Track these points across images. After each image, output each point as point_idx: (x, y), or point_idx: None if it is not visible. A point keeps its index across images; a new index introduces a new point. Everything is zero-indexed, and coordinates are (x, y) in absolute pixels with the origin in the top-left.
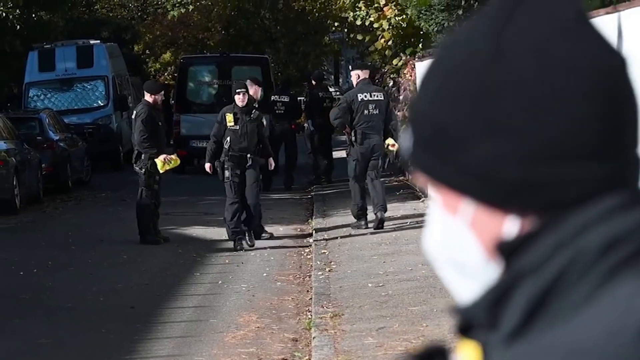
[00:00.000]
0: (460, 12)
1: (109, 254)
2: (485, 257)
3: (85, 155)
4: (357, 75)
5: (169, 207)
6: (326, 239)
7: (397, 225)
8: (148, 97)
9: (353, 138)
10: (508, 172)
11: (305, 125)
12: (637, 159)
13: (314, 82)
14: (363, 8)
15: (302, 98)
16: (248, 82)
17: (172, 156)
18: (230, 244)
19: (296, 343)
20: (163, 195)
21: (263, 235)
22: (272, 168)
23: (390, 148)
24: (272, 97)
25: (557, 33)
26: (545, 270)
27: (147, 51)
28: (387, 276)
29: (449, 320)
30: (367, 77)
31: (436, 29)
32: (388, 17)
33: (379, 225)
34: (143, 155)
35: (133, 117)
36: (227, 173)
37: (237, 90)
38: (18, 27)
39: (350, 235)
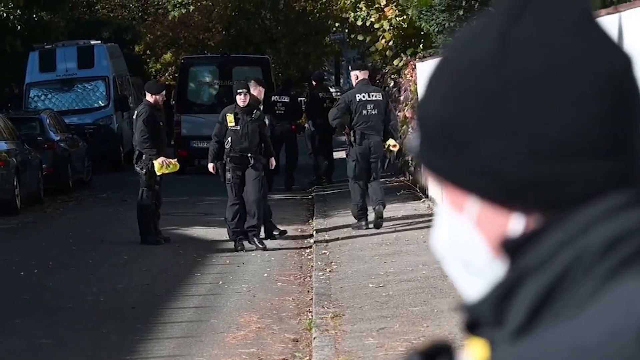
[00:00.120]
0: (460, 12)
1: (109, 254)
2: (491, 255)
3: (86, 155)
4: (355, 76)
5: (169, 207)
6: (327, 240)
7: (397, 226)
8: (149, 98)
9: (352, 138)
10: (513, 170)
11: (306, 125)
12: None
13: (314, 83)
14: (364, 8)
15: (302, 98)
16: (252, 83)
17: (172, 160)
18: (231, 245)
19: (297, 343)
20: (164, 195)
21: (275, 232)
22: (273, 167)
23: (392, 148)
24: (273, 98)
25: (564, 32)
26: (549, 268)
27: (148, 51)
28: (387, 277)
29: (449, 321)
30: (366, 77)
31: (437, 29)
32: (389, 17)
33: (378, 220)
34: (144, 156)
35: (134, 117)
36: (228, 174)
37: (239, 91)
38: (19, 27)
39: (351, 236)
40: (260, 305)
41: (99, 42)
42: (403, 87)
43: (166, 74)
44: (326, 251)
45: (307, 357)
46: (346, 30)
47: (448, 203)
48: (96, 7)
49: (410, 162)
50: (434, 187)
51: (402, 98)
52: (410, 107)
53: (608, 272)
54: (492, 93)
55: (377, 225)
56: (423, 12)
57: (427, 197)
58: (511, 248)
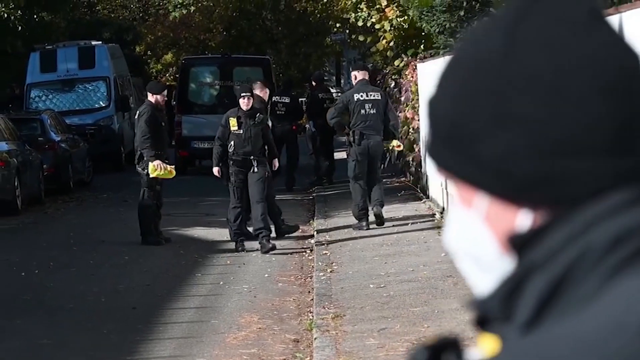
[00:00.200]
0: (461, 13)
1: (110, 255)
2: (500, 250)
3: (87, 156)
4: (354, 76)
5: (170, 207)
6: (328, 240)
7: (398, 226)
8: (151, 98)
9: (351, 139)
10: (520, 167)
11: (307, 126)
12: None
13: (314, 84)
14: (365, 9)
15: (303, 99)
16: (258, 85)
17: (169, 167)
18: (232, 245)
19: (297, 344)
20: (164, 196)
21: (283, 227)
22: (276, 169)
23: (396, 149)
24: (274, 98)
25: (570, 31)
26: (555, 264)
27: (149, 52)
28: (388, 277)
29: (450, 321)
30: (365, 77)
31: (438, 30)
32: (389, 18)
33: (378, 220)
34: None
35: (136, 117)
36: (232, 178)
37: (242, 94)
38: (20, 28)
39: (351, 236)
40: (261, 306)
41: (100, 42)
42: (404, 88)
43: (167, 75)
44: (327, 252)
45: (308, 358)
46: (347, 31)
47: (458, 199)
48: (97, 8)
49: (411, 162)
50: (435, 188)
51: (402, 99)
52: (411, 107)
53: (612, 269)
54: (499, 91)
55: (379, 223)
56: (424, 13)
57: (427, 197)
58: (518, 244)
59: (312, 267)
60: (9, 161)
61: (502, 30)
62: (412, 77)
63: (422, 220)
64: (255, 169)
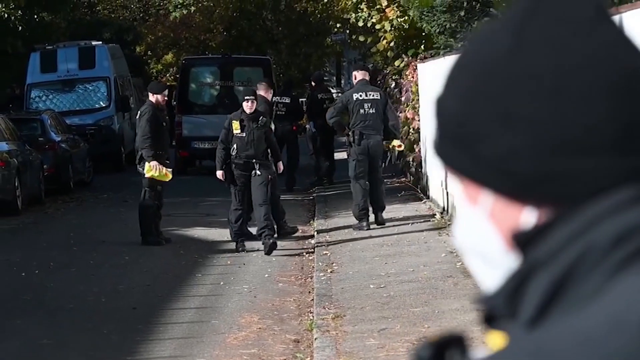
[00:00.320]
0: (462, 13)
1: (110, 255)
2: (505, 248)
3: (87, 156)
4: (354, 77)
5: (170, 208)
6: (328, 240)
7: (398, 227)
8: (152, 98)
9: (351, 139)
10: (523, 165)
11: (307, 126)
12: None
13: (314, 84)
14: (365, 9)
15: (303, 99)
16: (264, 85)
17: (164, 170)
18: (232, 245)
19: (298, 344)
20: (165, 196)
21: (286, 227)
22: (281, 172)
23: (398, 149)
24: (274, 99)
25: (575, 30)
26: (558, 262)
27: (149, 52)
28: (388, 277)
29: (450, 322)
30: (364, 78)
31: (438, 30)
32: (390, 18)
33: (379, 222)
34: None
35: (137, 117)
36: (235, 181)
37: (246, 97)
38: (20, 28)
39: (351, 236)
40: (261, 306)
41: (100, 42)
42: (404, 88)
43: (167, 75)
44: (327, 252)
45: (308, 358)
46: (347, 31)
47: (464, 197)
48: (97, 8)
49: (411, 163)
50: (435, 188)
51: (403, 99)
52: (412, 107)
53: (614, 267)
54: (503, 91)
55: (380, 224)
56: (424, 13)
57: (428, 198)
58: (522, 241)
59: (313, 267)
60: (9, 161)
61: (508, 31)
62: (413, 77)
63: (422, 220)
64: (258, 172)
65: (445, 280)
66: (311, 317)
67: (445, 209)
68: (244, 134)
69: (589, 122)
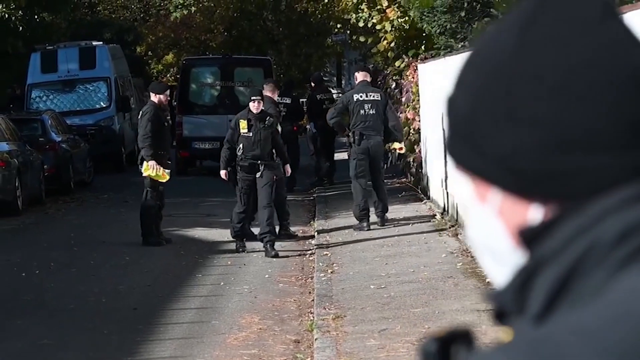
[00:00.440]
0: (462, 14)
1: (111, 255)
2: (513, 244)
3: (88, 156)
4: (355, 78)
5: (171, 208)
6: (328, 241)
7: (399, 227)
8: (154, 98)
9: (352, 139)
10: (529, 162)
11: (308, 127)
12: None
13: (313, 84)
14: (366, 10)
15: (304, 100)
16: (270, 86)
17: (162, 170)
18: (232, 246)
19: (298, 345)
20: (165, 196)
21: (288, 230)
22: (288, 175)
23: (398, 151)
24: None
25: (580, 28)
26: (564, 258)
27: (150, 52)
28: (389, 278)
29: (451, 322)
30: (365, 79)
31: (438, 30)
32: (390, 18)
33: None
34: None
35: (139, 117)
36: (240, 184)
37: (252, 98)
38: (20, 28)
39: (352, 237)
40: (262, 307)
41: (101, 43)
42: (405, 89)
43: (168, 75)
44: (328, 252)
45: (309, 359)
46: (348, 32)
47: (474, 194)
48: (98, 8)
49: (411, 163)
50: (435, 189)
51: (403, 99)
52: (412, 108)
53: (619, 262)
54: (509, 90)
55: (381, 224)
56: (425, 14)
57: (428, 198)
58: (528, 237)
59: (313, 267)
60: (10, 162)
61: (513, 31)
62: (413, 77)
63: (422, 221)
64: (262, 174)
65: (445, 281)
66: (311, 318)
67: (446, 209)
68: (251, 134)
69: (593, 120)
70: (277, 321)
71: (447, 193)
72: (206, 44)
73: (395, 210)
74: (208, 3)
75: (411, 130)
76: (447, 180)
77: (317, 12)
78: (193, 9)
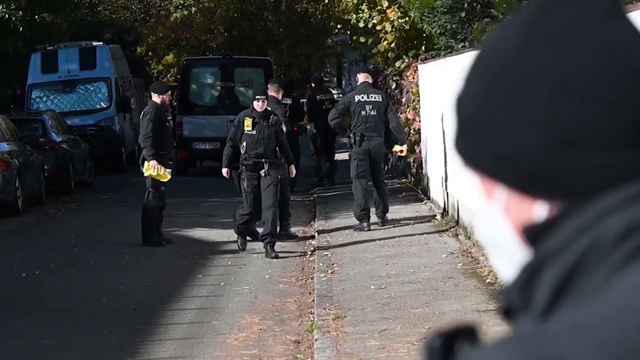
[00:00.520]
0: (462, 14)
1: (111, 256)
2: (519, 241)
3: (88, 157)
4: (357, 79)
5: (171, 208)
6: (328, 241)
7: (399, 228)
8: (156, 98)
9: (352, 140)
10: (532, 160)
11: (308, 127)
12: None
13: (313, 85)
14: (366, 10)
15: (304, 100)
16: (275, 86)
17: (163, 170)
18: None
19: (298, 345)
20: (165, 197)
21: (287, 229)
22: (293, 175)
23: (400, 154)
24: None
25: (586, 27)
26: (566, 255)
27: (150, 53)
28: (389, 278)
29: (451, 323)
30: (367, 80)
31: (439, 31)
32: (391, 19)
33: (382, 223)
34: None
35: (141, 117)
36: (243, 184)
37: (257, 97)
38: (21, 28)
39: (352, 237)
40: (262, 307)
41: (101, 43)
42: (405, 89)
43: (168, 76)
44: (328, 253)
45: (309, 359)
46: (348, 32)
47: (482, 192)
48: (98, 9)
49: (412, 164)
50: (435, 189)
51: (404, 100)
52: (412, 108)
53: (620, 260)
54: (514, 88)
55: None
56: (425, 14)
57: (428, 199)
58: (533, 234)
59: (313, 268)
60: (10, 162)
61: (517, 31)
62: (413, 78)
63: (423, 221)
64: (267, 173)
65: (445, 282)
66: (312, 318)
67: (446, 210)
68: (255, 132)
69: (595, 119)
70: (278, 321)
71: (448, 193)
72: (206, 45)
73: (396, 211)
74: (208, 3)
75: (411, 131)
76: (447, 181)
77: (317, 12)
78: (193, 9)
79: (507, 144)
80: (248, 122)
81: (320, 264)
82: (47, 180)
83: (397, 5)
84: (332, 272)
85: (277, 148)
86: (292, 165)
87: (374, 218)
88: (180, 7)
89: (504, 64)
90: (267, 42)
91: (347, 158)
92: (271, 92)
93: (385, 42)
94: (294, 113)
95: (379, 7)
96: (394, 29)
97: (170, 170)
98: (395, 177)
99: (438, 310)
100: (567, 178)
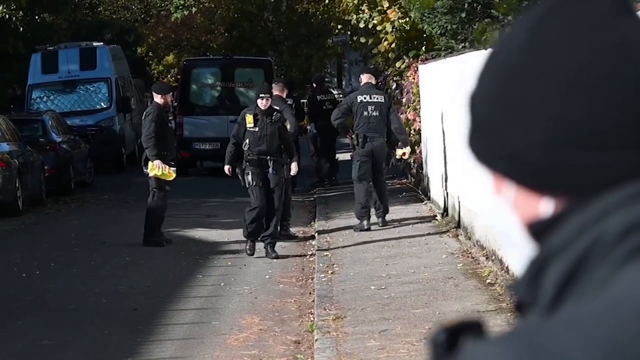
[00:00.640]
0: (463, 15)
1: (111, 256)
2: (527, 236)
3: (88, 157)
4: (360, 79)
5: (171, 209)
6: (329, 242)
7: (399, 228)
8: (158, 99)
9: (355, 142)
10: (539, 156)
11: (308, 128)
12: None
13: (314, 85)
14: (366, 11)
15: (305, 100)
16: (279, 85)
17: (168, 169)
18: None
19: (298, 345)
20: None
21: (287, 229)
22: (294, 173)
23: (404, 157)
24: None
25: (593, 25)
26: (569, 252)
27: (150, 53)
28: (389, 279)
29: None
30: (370, 81)
31: (439, 31)
32: (391, 19)
33: (382, 224)
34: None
35: (143, 117)
36: (248, 178)
37: (261, 95)
38: (21, 28)
39: (352, 238)
40: (262, 307)
41: (102, 43)
42: (405, 89)
43: (168, 76)
44: (328, 253)
45: (309, 359)
46: (349, 33)
47: (493, 188)
48: (98, 9)
49: (412, 164)
50: (436, 190)
51: (404, 100)
52: (412, 109)
53: (622, 258)
54: (521, 86)
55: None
56: (425, 15)
57: (429, 199)
58: (539, 230)
59: (313, 268)
60: (10, 162)
61: (526, 31)
62: (414, 78)
63: (423, 222)
64: (272, 172)
65: (446, 282)
66: (312, 319)
67: (446, 210)
68: (257, 129)
69: (600, 118)
70: (278, 322)
71: (448, 194)
72: (207, 45)
73: (396, 211)
74: (209, 4)
75: (412, 131)
76: (447, 181)
77: (317, 13)
78: (194, 9)
79: (514, 142)
80: (249, 118)
81: (321, 264)
82: (47, 181)
83: (398, 5)
84: (332, 273)
85: (282, 145)
86: (294, 163)
87: (374, 218)
88: (180, 7)
89: (513, 63)
90: (268, 42)
91: (349, 158)
92: (276, 92)
93: (386, 42)
94: (294, 113)
95: (379, 8)
96: (394, 30)
97: (175, 168)
98: (395, 178)
99: (438, 311)
100: (572, 176)
